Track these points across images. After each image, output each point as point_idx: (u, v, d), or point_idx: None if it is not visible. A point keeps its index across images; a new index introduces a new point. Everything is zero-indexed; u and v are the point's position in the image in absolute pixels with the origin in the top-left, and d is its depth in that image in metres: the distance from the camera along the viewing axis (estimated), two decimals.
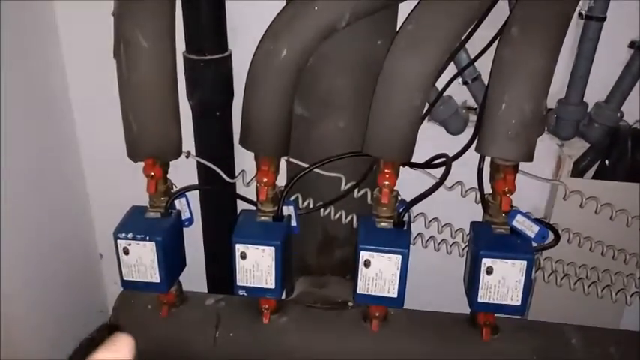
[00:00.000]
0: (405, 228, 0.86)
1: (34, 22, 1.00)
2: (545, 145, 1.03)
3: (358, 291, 0.85)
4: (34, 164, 1.04)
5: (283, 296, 0.97)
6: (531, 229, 0.84)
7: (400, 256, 0.81)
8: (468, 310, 0.92)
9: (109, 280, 1.31)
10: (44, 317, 1.12)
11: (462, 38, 0.81)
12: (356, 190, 0.91)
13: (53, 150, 1.10)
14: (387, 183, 0.83)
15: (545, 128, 1.02)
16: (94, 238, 1.27)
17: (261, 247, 0.84)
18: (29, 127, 1.01)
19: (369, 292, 0.85)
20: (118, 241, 0.86)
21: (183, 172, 0.98)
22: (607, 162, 1.03)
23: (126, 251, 0.86)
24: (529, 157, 0.80)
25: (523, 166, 0.84)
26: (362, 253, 0.82)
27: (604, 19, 0.89)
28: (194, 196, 1.01)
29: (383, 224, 0.86)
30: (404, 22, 0.79)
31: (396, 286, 0.83)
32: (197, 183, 1.04)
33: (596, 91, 0.97)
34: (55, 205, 1.12)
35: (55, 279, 1.14)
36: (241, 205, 1.02)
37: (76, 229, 1.22)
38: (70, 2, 1.01)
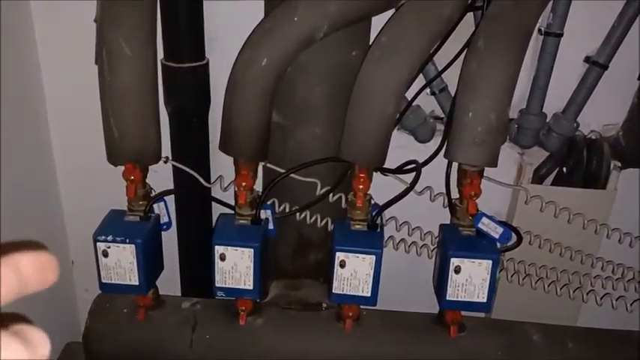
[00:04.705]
0: (379, 230, 0.90)
1: (9, 26, 1.00)
2: (507, 154, 1.09)
3: (334, 291, 0.88)
4: (6, 168, 1.03)
5: (259, 300, 0.99)
6: (496, 231, 0.89)
7: (374, 257, 0.85)
8: (436, 310, 0.96)
9: (80, 288, 1.30)
10: None
11: (431, 51, 0.86)
12: (331, 195, 0.94)
13: (26, 154, 1.09)
14: (361, 187, 0.87)
15: (507, 137, 1.08)
16: (66, 244, 1.26)
17: (240, 249, 0.86)
18: (1, 130, 1.01)
19: (344, 292, 0.88)
20: (98, 243, 0.87)
21: (158, 177, 1.00)
22: (564, 169, 1.09)
23: (105, 254, 0.87)
24: (494, 163, 0.85)
25: (487, 172, 0.90)
26: (337, 254, 0.86)
27: (561, 35, 0.95)
28: (169, 202, 1.02)
29: (357, 226, 0.89)
30: (378, 34, 0.83)
31: (370, 286, 0.87)
32: (173, 188, 1.05)
33: (554, 102, 1.03)
34: (27, 211, 1.11)
35: None
36: (216, 211, 1.04)
37: (48, 235, 1.21)
38: (47, 4, 1.01)
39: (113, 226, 0.89)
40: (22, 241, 0.24)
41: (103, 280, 0.89)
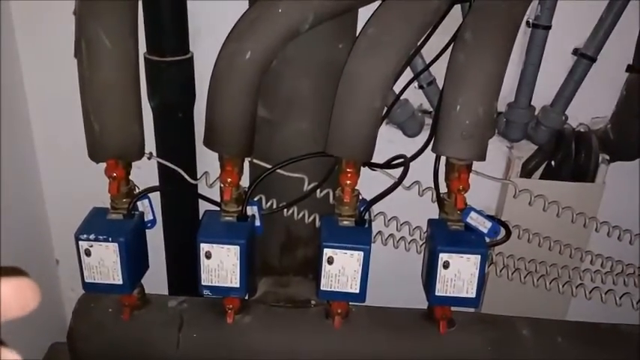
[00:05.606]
0: (366, 226, 0.89)
1: None
2: (496, 147, 1.08)
3: (322, 287, 0.87)
4: None
5: (246, 297, 0.98)
6: (484, 225, 0.88)
7: (362, 253, 0.84)
8: (425, 306, 0.96)
9: (66, 287, 1.28)
10: None
11: (418, 43, 0.85)
12: (318, 190, 0.93)
13: (8, 151, 1.07)
14: (348, 182, 0.85)
15: (496, 131, 1.07)
16: (50, 243, 1.24)
17: (226, 247, 0.85)
18: None
19: (332, 289, 0.87)
20: (80, 242, 0.85)
21: (144, 173, 0.98)
22: (553, 163, 1.08)
23: (87, 253, 0.85)
24: (482, 157, 0.84)
25: (476, 166, 0.89)
26: (325, 250, 0.84)
27: (549, 27, 0.95)
28: (154, 199, 1.01)
29: (345, 222, 0.88)
30: (364, 26, 0.82)
31: (358, 282, 0.86)
32: (158, 184, 1.04)
33: (542, 95, 1.02)
34: (9, 210, 1.09)
35: None
36: (203, 207, 1.03)
37: (32, 234, 1.19)
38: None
39: (95, 225, 0.87)
40: (2, 267, 0.25)
41: (87, 280, 0.88)
